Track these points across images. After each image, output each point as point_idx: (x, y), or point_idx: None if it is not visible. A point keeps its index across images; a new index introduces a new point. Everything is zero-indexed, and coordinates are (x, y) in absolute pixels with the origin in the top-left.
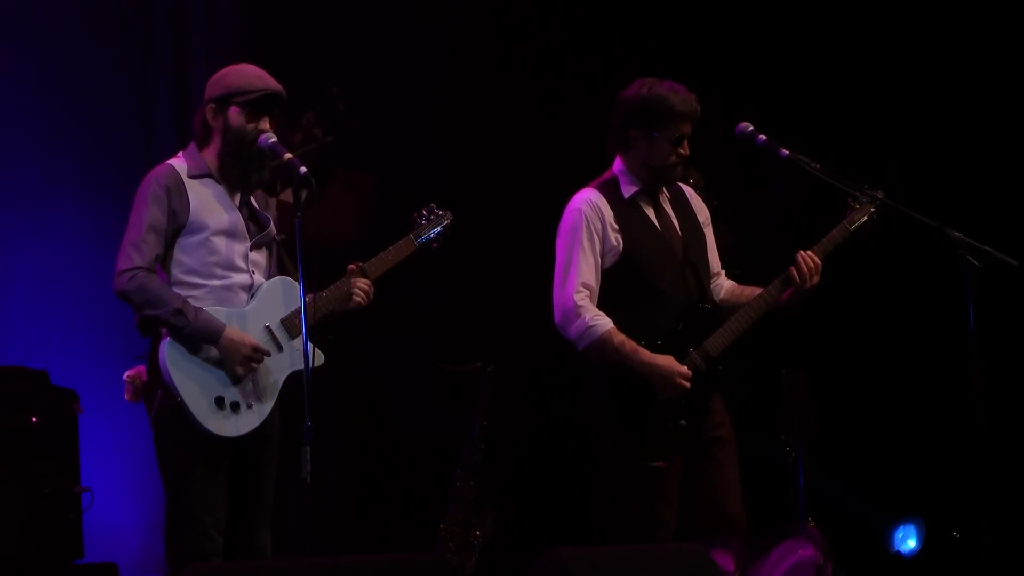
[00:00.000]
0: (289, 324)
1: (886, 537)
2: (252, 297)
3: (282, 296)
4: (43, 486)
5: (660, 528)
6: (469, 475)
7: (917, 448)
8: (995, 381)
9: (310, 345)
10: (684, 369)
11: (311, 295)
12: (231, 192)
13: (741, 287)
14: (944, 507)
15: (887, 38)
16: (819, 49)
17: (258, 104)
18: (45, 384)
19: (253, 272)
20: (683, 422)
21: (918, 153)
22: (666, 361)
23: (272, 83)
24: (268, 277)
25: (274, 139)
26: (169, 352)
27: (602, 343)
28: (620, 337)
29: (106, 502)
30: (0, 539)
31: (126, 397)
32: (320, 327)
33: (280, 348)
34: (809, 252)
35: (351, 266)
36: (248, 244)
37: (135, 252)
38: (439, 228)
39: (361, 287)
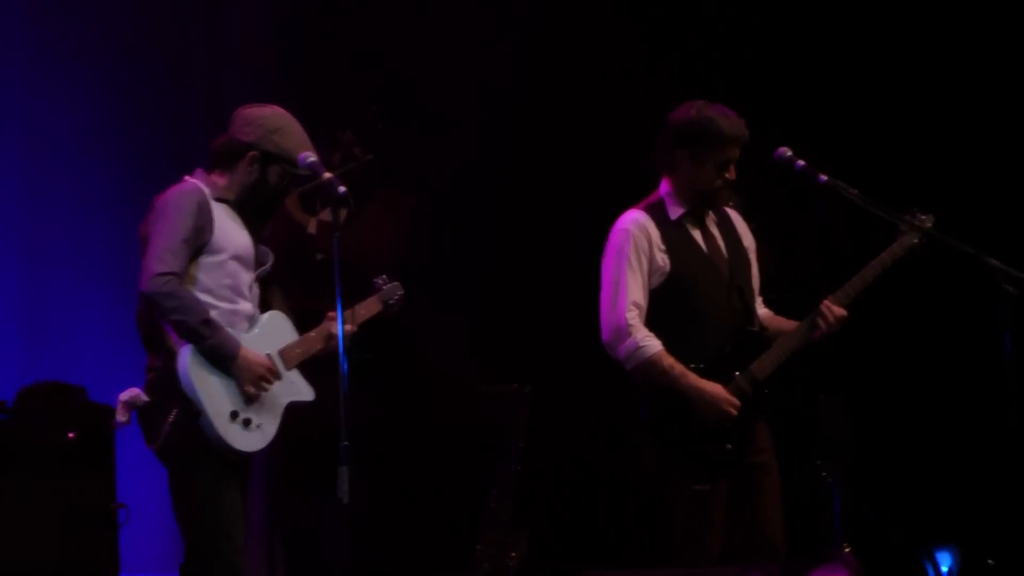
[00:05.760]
0: (285, 356)
1: (922, 563)
2: (252, 326)
3: (278, 329)
4: (80, 502)
5: (704, 553)
6: (505, 496)
7: (953, 474)
8: None
9: (302, 378)
10: (732, 398)
11: (304, 336)
12: (244, 222)
13: (774, 317)
14: (980, 534)
15: (924, 62)
16: (858, 71)
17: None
18: (83, 399)
19: (254, 302)
20: (728, 446)
21: (953, 180)
22: (714, 388)
23: (320, 166)
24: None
25: (314, 158)
26: (191, 361)
27: (650, 365)
28: (669, 360)
29: (142, 518)
30: (37, 555)
31: (119, 418)
32: (307, 364)
33: (280, 376)
34: (832, 304)
35: (332, 312)
36: (253, 274)
37: (171, 257)
38: (398, 295)
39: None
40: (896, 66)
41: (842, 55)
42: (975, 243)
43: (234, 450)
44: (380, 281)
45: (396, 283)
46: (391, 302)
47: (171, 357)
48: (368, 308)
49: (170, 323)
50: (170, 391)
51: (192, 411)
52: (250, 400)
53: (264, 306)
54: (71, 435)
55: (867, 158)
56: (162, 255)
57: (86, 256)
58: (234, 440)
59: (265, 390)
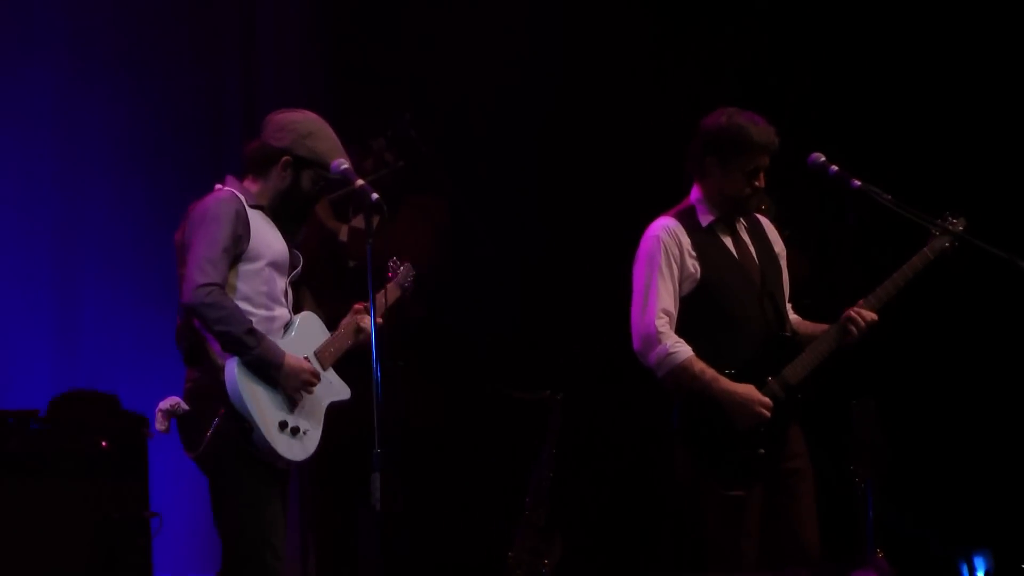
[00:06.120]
0: (320, 356)
1: (955, 569)
2: (287, 330)
3: (311, 330)
4: (113, 511)
5: (739, 559)
6: (539, 502)
7: (988, 478)
8: None
9: (337, 377)
10: (764, 398)
11: (334, 334)
12: (278, 227)
13: (805, 322)
14: (1015, 538)
15: (955, 67)
16: (891, 76)
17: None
18: (115, 408)
19: (289, 308)
20: (762, 451)
21: (985, 184)
22: (746, 390)
23: (353, 173)
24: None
25: (347, 165)
26: (238, 374)
27: (682, 370)
28: (700, 365)
29: (176, 527)
30: (70, 564)
31: (158, 427)
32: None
33: (320, 378)
34: (863, 309)
35: (357, 305)
36: (287, 279)
37: (212, 268)
38: (411, 277)
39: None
40: (928, 71)
41: (874, 60)
42: (1008, 247)
43: (285, 460)
44: (393, 264)
45: (408, 264)
46: (405, 285)
47: (213, 370)
48: (390, 295)
49: (214, 334)
50: (211, 400)
51: (245, 427)
52: (294, 406)
53: (295, 308)
54: (104, 444)
55: (900, 163)
56: (203, 266)
57: (119, 264)
58: (285, 451)
59: (310, 393)
